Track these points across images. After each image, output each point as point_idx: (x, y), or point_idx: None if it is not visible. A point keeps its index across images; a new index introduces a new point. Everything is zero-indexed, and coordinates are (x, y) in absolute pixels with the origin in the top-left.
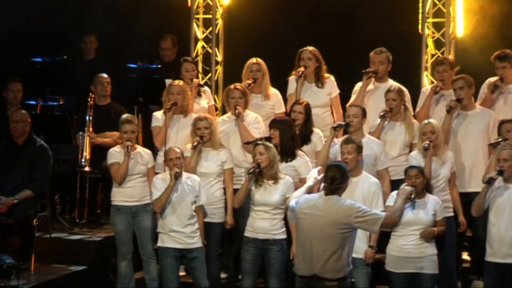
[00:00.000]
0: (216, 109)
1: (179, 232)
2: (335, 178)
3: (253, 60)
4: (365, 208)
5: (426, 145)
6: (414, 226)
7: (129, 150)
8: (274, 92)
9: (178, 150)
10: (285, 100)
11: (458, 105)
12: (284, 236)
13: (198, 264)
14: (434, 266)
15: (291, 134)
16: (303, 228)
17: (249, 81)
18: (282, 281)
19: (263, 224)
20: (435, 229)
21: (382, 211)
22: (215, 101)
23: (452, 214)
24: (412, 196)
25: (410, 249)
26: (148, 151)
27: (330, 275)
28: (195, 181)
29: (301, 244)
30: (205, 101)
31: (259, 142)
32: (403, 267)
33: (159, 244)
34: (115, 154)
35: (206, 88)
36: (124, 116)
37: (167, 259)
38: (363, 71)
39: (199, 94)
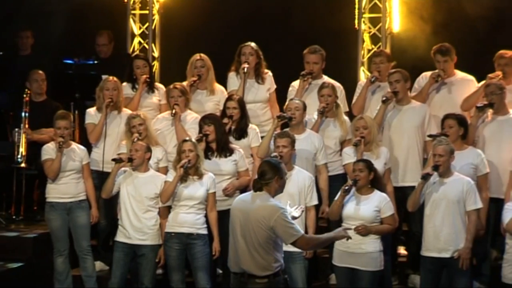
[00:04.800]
0: None
1: (130, 226)
2: (264, 174)
3: (197, 56)
4: (288, 218)
5: (356, 141)
6: (354, 221)
7: (61, 146)
8: (219, 88)
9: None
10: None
11: (394, 97)
12: (206, 232)
13: (144, 261)
14: (374, 263)
15: (223, 129)
16: (233, 223)
17: (194, 78)
18: (209, 275)
19: (187, 218)
20: (373, 225)
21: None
22: None
23: None
24: (346, 188)
25: (350, 244)
26: (82, 147)
27: (258, 272)
28: (159, 178)
29: (231, 239)
30: (156, 98)
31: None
32: (344, 261)
33: (115, 237)
34: (49, 151)
35: (161, 86)
36: (59, 112)
37: (116, 252)
38: (301, 73)
39: (151, 90)
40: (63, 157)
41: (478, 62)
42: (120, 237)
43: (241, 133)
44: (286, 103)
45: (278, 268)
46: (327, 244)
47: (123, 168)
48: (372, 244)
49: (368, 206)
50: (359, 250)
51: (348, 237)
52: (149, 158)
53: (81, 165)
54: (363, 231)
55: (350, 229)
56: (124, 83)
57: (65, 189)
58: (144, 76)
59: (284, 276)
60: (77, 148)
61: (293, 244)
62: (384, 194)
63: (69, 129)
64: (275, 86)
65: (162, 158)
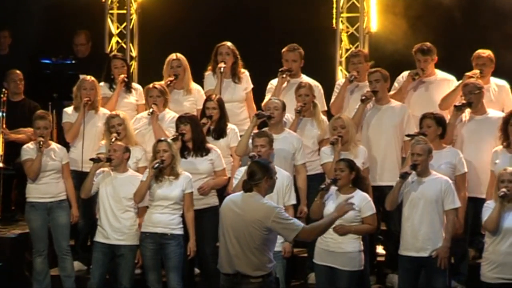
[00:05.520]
0: None
1: (109, 225)
2: (254, 174)
3: (173, 56)
4: (285, 215)
5: (333, 139)
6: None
7: (41, 146)
8: (196, 87)
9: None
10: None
11: (373, 96)
12: (181, 232)
13: (123, 261)
14: (353, 263)
15: (200, 129)
16: (225, 225)
17: (171, 78)
18: (181, 276)
19: (161, 218)
20: (352, 225)
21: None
22: None
23: None
24: (323, 186)
25: (329, 242)
26: (62, 147)
27: (253, 272)
28: (137, 179)
29: (223, 241)
30: (133, 98)
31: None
32: (323, 259)
33: (94, 237)
34: (29, 151)
35: (138, 86)
36: (38, 112)
37: (95, 253)
38: (279, 70)
39: (128, 90)
40: (43, 157)
41: (456, 59)
42: (98, 237)
43: (220, 133)
44: (265, 100)
45: (272, 268)
46: (332, 226)
47: (101, 168)
48: (352, 244)
49: None
50: (338, 250)
51: (352, 208)
52: (127, 159)
53: (61, 164)
54: (341, 231)
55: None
56: (102, 83)
57: (46, 189)
58: (122, 76)
59: (276, 276)
60: (56, 147)
61: (296, 238)
62: (365, 194)
63: (49, 129)
64: (251, 86)
65: (141, 158)
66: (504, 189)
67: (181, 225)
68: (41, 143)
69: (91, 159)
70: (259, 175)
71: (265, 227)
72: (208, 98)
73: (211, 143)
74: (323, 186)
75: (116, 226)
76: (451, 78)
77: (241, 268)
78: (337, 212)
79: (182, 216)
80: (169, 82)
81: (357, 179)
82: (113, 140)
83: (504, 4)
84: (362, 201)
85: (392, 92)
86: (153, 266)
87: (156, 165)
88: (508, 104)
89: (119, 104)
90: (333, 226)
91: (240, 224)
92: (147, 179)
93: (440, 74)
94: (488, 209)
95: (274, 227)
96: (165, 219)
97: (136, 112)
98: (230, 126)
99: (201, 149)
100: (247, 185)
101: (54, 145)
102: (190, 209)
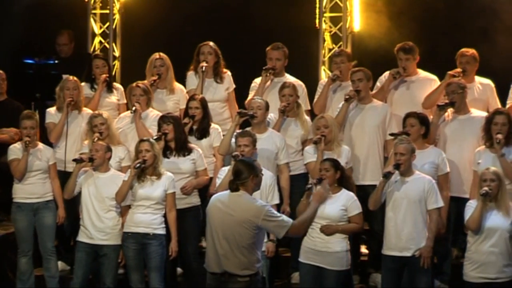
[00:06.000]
0: None
1: (92, 226)
2: (240, 173)
3: (156, 55)
4: (274, 212)
5: (317, 138)
6: (320, 220)
7: (27, 146)
8: (179, 87)
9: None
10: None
11: (356, 96)
12: (163, 232)
13: (106, 261)
14: (341, 263)
15: (182, 128)
16: (213, 225)
17: (154, 78)
18: (163, 276)
19: (143, 218)
20: (339, 225)
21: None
22: None
23: None
24: (309, 186)
25: (317, 242)
26: (49, 147)
27: (241, 271)
28: (119, 178)
29: (210, 240)
30: (115, 97)
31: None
32: (310, 259)
33: (77, 237)
34: (15, 151)
35: (119, 85)
36: (25, 112)
37: (78, 253)
38: (263, 68)
39: (110, 89)
40: (29, 157)
41: (438, 58)
42: (82, 237)
43: (203, 132)
44: (248, 98)
45: (259, 268)
46: (315, 214)
47: (84, 168)
48: (340, 244)
49: (334, 205)
50: (325, 249)
51: (328, 193)
52: (109, 158)
53: (48, 165)
54: (327, 230)
55: (322, 180)
56: (83, 83)
57: (32, 189)
58: (104, 75)
59: (263, 275)
60: (43, 148)
61: (286, 234)
62: (351, 193)
63: (36, 129)
64: (234, 86)
65: (124, 157)
66: (486, 188)
67: (163, 225)
68: (27, 143)
69: (74, 160)
70: (245, 174)
71: (256, 226)
72: (191, 98)
73: (194, 143)
74: (309, 186)
75: (99, 226)
76: (433, 77)
77: (229, 267)
78: (315, 201)
79: (164, 216)
80: (152, 82)
81: (342, 178)
82: (95, 139)
83: None
84: (349, 200)
85: (374, 92)
86: (135, 266)
87: (138, 165)
88: (493, 103)
89: (101, 103)
90: (320, 226)
91: (230, 224)
92: (129, 179)
93: (422, 73)
94: (471, 208)
95: (265, 225)
96: (147, 219)
97: (118, 112)
98: (213, 126)
99: (183, 149)
100: (234, 185)
101: (41, 145)
102: (172, 209)
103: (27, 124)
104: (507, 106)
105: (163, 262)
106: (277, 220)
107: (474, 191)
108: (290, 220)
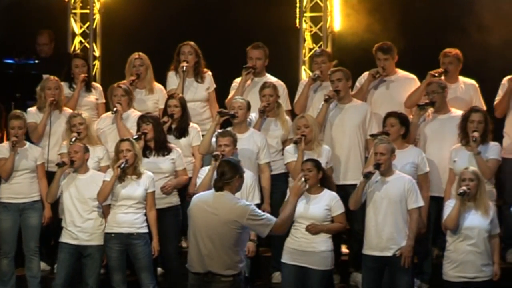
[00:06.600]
0: None
1: (76, 227)
2: (224, 174)
3: (135, 55)
4: (258, 212)
5: (297, 138)
6: (305, 221)
7: (14, 146)
8: (158, 87)
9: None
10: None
11: (336, 96)
12: (146, 231)
13: (89, 262)
14: (325, 263)
15: (161, 128)
16: (196, 225)
17: (133, 77)
18: (153, 274)
19: (126, 218)
20: (324, 224)
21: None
22: None
23: None
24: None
25: (301, 242)
26: (37, 147)
27: (225, 271)
28: (99, 177)
29: (193, 241)
30: (93, 97)
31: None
32: (294, 259)
33: (59, 238)
34: (2, 150)
35: (97, 85)
36: (13, 112)
37: (61, 253)
38: (243, 66)
39: (88, 89)
40: (16, 156)
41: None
42: (65, 239)
43: (182, 132)
44: (228, 97)
45: (242, 267)
46: (295, 209)
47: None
48: (325, 243)
49: (318, 205)
50: (311, 249)
51: (304, 186)
52: (87, 159)
53: (35, 164)
54: (313, 229)
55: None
56: (62, 82)
57: (18, 188)
58: (82, 75)
59: (246, 275)
60: (31, 147)
61: (269, 233)
62: (334, 193)
63: (23, 129)
64: (214, 86)
65: (103, 157)
66: (464, 187)
67: (146, 224)
68: (14, 142)
69: (57, 164)
70: (231, 174)
71: (240, 226)
72: (170, 97)
73: (173, 142)
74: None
75: (83, 227)
76: (413, 76)
77: (213, 267)
78: (292, 196)
79: (145, 215)
80: (131, 82)
81: (324, 178)
82: (73, 139)
83: None
84: (332, 200)
85: (353, 92)
86: (118, 267)
87: (122, 165)
88: (477, 103)
89: (79, 103)
90: (306, 225)
91: (214, 224)
92: (112, 179)
93: (401, 72)
94: (449, 207)
95: (250, 224)
96: (130, 219)
97: (97, 111)
98: (192, 125)
99: (162, 149)
100: (219, 184)
101: (28, 145)
102: (153, 208)
103: (15, 124)
104: (495, 102)
105: (151, 261)
106: (261, 219)
107: (449, 189)
108: (274, 219)
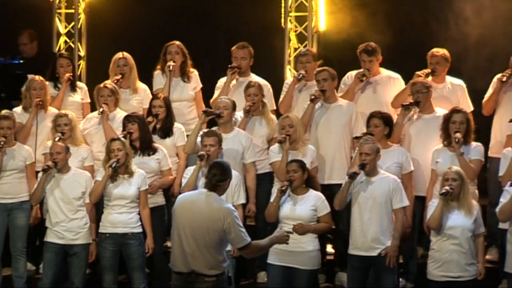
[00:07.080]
0: None
1: (61, 227)
2: (216, 175)
3: (120, 54)
4: (240, 222)
5: (281, 138)
6: (291, 221)
7: (2, 146)
8: (142, 87)
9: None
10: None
11: (322, 96)
12: (140, 230)
13: (76, 260)
14: (313, 262)
15: (147, 128)
16: (181, 224)
17: (117, 77)
18: (145, 274)
19: (120, 218)
20: (311, 225)
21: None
22: None
23: None
24: (283, 188)
25: (289, 242)
26: (27, 147)
27: (208, 271)
28: (82, 176)
29: (177, 240)
30: (78, 97)
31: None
32: (280, 260)
33: (44, 238)
34: None
35: (82, 84)
36: (2, 112)
37: (47, 253)
38: (228, 66)
39: (73, 89)
40: (5, 156)
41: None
42: (50, 238)
43: (166, 132)
44: (214, 97)
45: (225, 267)
46: (268, 249)
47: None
48: (312, 243)
49: (304, 206)
50: (298, 249)
51: (286, 242)
52: (69, 158)
53: (24, 164)
54: (300, 230)
55: (291, 232)
56: (47, 82)
57: (7, 189)
58: (67, 74)
59: (229, 274)
60: (21, 147)
61: (240, 249)
62: (319, 193)
63: (12, 129)
64: (201, 85)
65: (87, 157)
66: (447, 187)
67: (140, 223)
68: (2, 143)
69: (42, 170)
70: (222, 177)
71: (222, 228)
72: (155, 97)
73: (157, 142)
74: (283, 188)
75: (68, 226)
76: (396, 76)
77: (197, 267)
78: (276, 238)
79: (139, 213)
80: (115, 81)
81: (308, 179)
82: (56, 139)
83: None
84: (318, 200)
85: (340, 94)
86: (110, 267)
87: (114, 164)
88: (464, 103)
89: (64, 102)
90: (293, 225)
91: (199, 223)
92: (104, 179)
93: (384, 72)
94: (432, 207)
95: (229, 229)
96: (124, 219)
97: (82, 111)
98: (176, 125)
99: (148, 148)
100: (209, 185)
101: (18, 145)
102: (146, 207)
103: (4, 124)
104: (484, 99)
105: (145, 261)
106: (240, 229)
107: (431, 189)
108: (249, 239)
